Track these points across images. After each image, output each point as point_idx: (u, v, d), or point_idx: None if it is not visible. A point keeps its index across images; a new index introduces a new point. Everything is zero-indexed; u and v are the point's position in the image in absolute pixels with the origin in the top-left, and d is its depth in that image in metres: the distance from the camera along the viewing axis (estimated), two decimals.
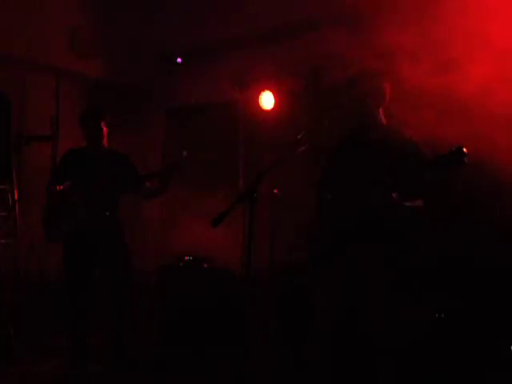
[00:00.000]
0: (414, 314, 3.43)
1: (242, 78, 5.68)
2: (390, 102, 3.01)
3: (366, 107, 2.90)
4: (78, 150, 4.06)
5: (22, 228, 5.21)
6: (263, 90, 5.41)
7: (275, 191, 4.70)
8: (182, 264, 4.79)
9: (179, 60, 6.10)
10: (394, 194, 2.67)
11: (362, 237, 2.81)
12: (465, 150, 2.44)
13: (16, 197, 5.25)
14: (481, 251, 3.82)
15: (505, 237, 3.72)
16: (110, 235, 3.88)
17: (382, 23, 4.10)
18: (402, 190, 2.70)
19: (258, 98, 5.43)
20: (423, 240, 3.74)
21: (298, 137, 2.82)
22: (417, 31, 3.72)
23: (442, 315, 3.39)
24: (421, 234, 3.63)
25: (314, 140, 3.02)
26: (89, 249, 3.85)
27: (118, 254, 3.90)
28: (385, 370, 2.78)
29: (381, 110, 2.95)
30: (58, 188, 3.85)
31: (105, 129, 3.98)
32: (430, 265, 3.77)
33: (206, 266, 4.76)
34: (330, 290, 2.90)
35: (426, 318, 3.42)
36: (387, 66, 3.20)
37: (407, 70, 3.61)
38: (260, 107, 5.45)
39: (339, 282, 2.88)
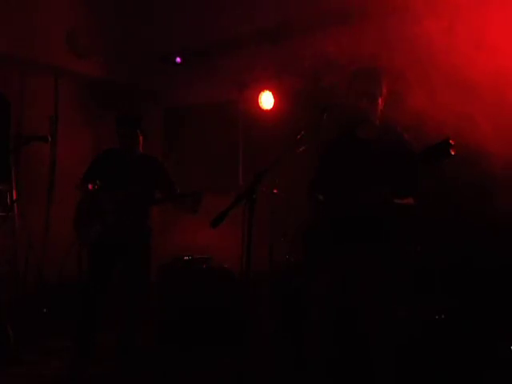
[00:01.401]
0: (412, 313, 3.43)
1: (242, 77, 5.67)
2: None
3: (362, 106, 2.89)
4: (113, 151, 4.09)
5: (21, 228, 5.20)
6: (263, 90, 5.40)
7: (275, 191, 4.69)
8: (181, 264, 4.79)
9: (178, 60, 6.10)
10: (384, 192, 2.65)
11: (358, 236, 2.81)
12: (451, 141, 2.43)
13: (15, 197, 5.25)
14: (479, 249, 3.82)
15: (502, 233, 3.72)
16: (135, 241, 3.91)
17: (381, 22, 4.10)
18: (395, 188, 2.69)
19: (257, 97, 5.43)
20: (420, 239, 3.74)
21: (298, 137, 2.81)
22: (415, 29, 3.73)
23: (442, 316, 3.38)
24: (418, 233, 3.63)
25: (313, 139, 3.01)
26: (113, 251, 3.90)
27: (140, 260, 3.94)
28: (383, 369, 2.77)
29: (378, 108, 2.94)
30: (89, 187, 3.87)
31: (140, 137, 4.01)
32: (428, 264, 3.77)
33: (205, 266, 4.75)
34: (328, 290, 2.89)
35: (424, 318, 3.42)
36: (385, 65, 3.20)
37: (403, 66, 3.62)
38: (259, 107, 5.44)
39: (336, 282, 2.87)
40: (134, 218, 3.90)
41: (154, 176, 4.01)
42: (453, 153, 2.42)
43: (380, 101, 2.92)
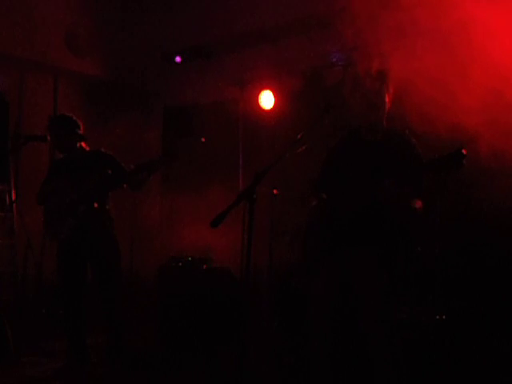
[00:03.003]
0: (412, 314, 3.42)
1: (242, 77, 5.66)
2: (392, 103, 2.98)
3: (368, 108, 2.87)
4: (59, 160, 4.12)
5: (20, 228, 5.19)
6: (263, 89, 5.38)
7: (275, 191, 4.68)
8: (181, 264, 4.78)
9: (178, 59, 6.08)
10: (406, 191, 2.62)
11: (358, 237, 2.79)
12: (464, 151, 2.39)
13: (13, 197, 5.24)
14: (480, 250, 3.80)
15: (503, 234, 3.71)
16: (93, 235, 3.86)
17: (382, 23, 4.08)
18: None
19: (257, 97, 5.41)
20: (422, 241, 3.73)
21: (298, 137, 2.80)
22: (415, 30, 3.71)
23: (444, 317, 3.37)
24: (420, 235, 3.62)
25: (313, 139, 2.99)
26: (77, 249, 3.87)
27: (104, 253, 3.90)
28: (383, 370, 2.75)
29: (385, 109, 2.92)
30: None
31: (74, 136, 3.94)
32: (429, 265, 3.75)
33: (205, 266, 4.74)
34: (327, 290, 2.88)
35: (424, 319, 3.41)
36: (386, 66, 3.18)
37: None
38: (260, 106, 5.43)
39: (336, 282, 2.86)
40: (89, 212, 3.83)
41: (101, 168, 3.87)
42: (464, 162, 2.38)
43: (387, 101, 2.91)
